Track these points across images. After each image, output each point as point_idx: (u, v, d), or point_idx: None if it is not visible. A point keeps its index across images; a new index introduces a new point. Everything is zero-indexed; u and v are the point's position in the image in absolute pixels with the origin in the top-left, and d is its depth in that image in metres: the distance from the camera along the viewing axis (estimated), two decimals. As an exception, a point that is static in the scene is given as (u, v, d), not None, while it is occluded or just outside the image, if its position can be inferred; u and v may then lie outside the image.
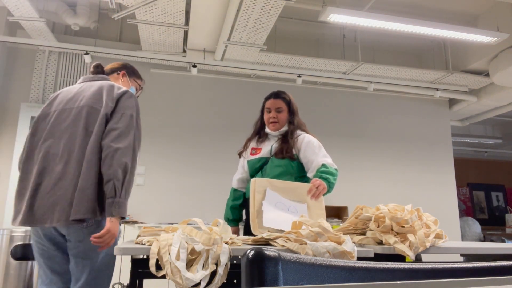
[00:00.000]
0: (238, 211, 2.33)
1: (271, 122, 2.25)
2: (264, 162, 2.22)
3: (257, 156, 2.25)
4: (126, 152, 1.63)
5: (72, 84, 4.49)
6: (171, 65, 4.75)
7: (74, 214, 1.55)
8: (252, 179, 1.83)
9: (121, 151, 1.62)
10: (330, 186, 1.99)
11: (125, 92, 1.78)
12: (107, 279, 1.70)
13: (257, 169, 2.23)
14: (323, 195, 1.97)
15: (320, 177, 1.98)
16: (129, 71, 2.07)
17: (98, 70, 1.95)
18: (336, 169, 2.10)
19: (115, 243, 1.63)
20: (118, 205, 1.57)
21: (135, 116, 1.73)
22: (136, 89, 2.10)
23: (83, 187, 1.58)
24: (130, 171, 1.63)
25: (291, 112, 2.29)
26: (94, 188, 1.60)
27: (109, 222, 1.55)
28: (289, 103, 2.29)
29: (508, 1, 3.94)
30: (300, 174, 2.19)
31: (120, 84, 1.97)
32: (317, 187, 1.87)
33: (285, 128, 2.27)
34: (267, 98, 2.33)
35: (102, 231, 1.53)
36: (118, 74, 2.04)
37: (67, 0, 4.27)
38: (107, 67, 2.06)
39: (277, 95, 2.30)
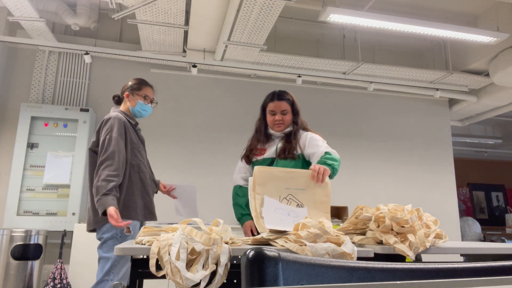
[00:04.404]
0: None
1: (276, 124, 2.24)
2: (269, 162, 2.21)
3: (262, 157, 2.24)
4: (104, 172, 2.11)
5: (72, 84, 4.51)
6: (171, 65, 4.75)
7: None
8: (255, 167, 1.76)
9: (100, 173, 2.12)
10: (333, 172, 1.94)
11: (102, 122, 2.26)
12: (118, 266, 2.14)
13: None
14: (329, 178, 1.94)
15: (324, 163, 1.94)
16: (132, 88, 2.40)
17: (114, 101, 2.46)
18: (339, 158, 2.09)
19: (125, 237, 2.14)
20: (97, 203, 2.06)
21: (107, 137, 2.18)
22: (145, 100, 2.41)
23: None
24: (106, 175, 2.09)
25: (295, 112, 2.28)
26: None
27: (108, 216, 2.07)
28: (292, 104, 2.28)
29: (508, 1, 3.94)
30: None
31: (128, 105, 2.40)
32: (317, 172, 1.80)
33: (289, 128, 2.27)
34: (270, 100, 2.27)
35: None
36: (125, 97, 2.41)
37: (67, 0, 4.27)
38: (122, 89, 2.46)
39: (280, 96, 2.26)
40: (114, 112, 2.33)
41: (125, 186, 2.20)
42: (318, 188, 1.80)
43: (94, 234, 2.25)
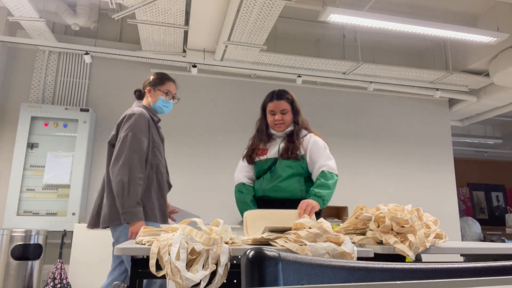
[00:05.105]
0: (255, 202, 2.21)
1: (276, 124, 2.23)
2: (272, 163, 2.20)
3: (265, 157, 2.22)
4: (120, 171, 2.00)
5: (72, 84, 4.51)
6: (171, 65, 4.75)
7: None
8: (245, 213, 1.82)
9: (117, 171, 2.01)
10: (324, 203, 2.00)
11: (124, 118, 2.14)
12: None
13: (265, 170, 2.20)
14: (319, 210, 1.99)
15: (314, 195, 1.99)
16: (153, 83, 2.31)
17: (135, 96, 2.37)
18: (336, 175, 2.10)
19: None
20: (124, 214, 1.97)
21: (130, 134, 2.07)
22: (166, 96, 2.31)
23: None
24: (129, 182, 1.98)
25: (295, 111, 2.26)
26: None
27: (130, 227, 1.99)
28: (292, 103, 2.25)
29: (508, 1, 3.94)
30: (308, 174, 2.19)
31: (149, 101, 2.31)
32: (304, 210, 1.88)
33: (290, 128, 2.25)
34: (269, 100, 2.26)
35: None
36: (146, 92, 2.33)
37: (67, 0, 4.28)
38: (144, 84, 2.37)
39: (279, 96, 2.24)
40: (138, 107, 2.21)
41: (145, 187, 2.10)
42: None
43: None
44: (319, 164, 2.11)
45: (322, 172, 2.08)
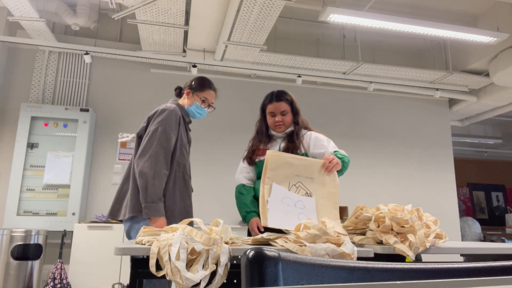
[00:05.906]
0: (255, 203, 2.18)
1: (277, 126, 2.23)
2: None
3: (265, 157, 2.24)
4: (146, 164, 1.97)
5: (72, 84, 4.51)
6: (171, 65, 4.75)
7: None
8: (268, 152, 1.81)
9: (142, 164, 1.98)
10: (344, 166, 2.00)
11: (156, 111, 2.12)
12: None
13: None
14: (338, 173, 1.96)
15: (335, 155, 1.99)
16: (194, 87, 2.32)
17: (175, 93, 2.37)
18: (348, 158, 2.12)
19: None
20: (146, 209, 1.93)
21: (160, 129, 2.05)
22: (203, 103, 2.33)
23: None
24: (154, 177, 1.95)
25: (295, 112, 2.27)
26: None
27: (151, 222, 1.94)
28: (291, 103, 2.26)
29: (508, 1, 3.94)
30: None
31: (185, 102, 2.31)
32: (330, 161, 1.87)
33: (290, 128, 2.26)
34: (268, 101, 2.26)
35: None
36: (185, 93, 2.33)
37: (67, 0, 4.28)
38: (185, 84, 2.37)
39: (278, 97, 2.25)
40: (172, 104, 2.22)
41: (170, 185, 2.08)
42: (327, 179, 1.84)
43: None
44: (330, 150, 2.11)
45: (335, 151, 2.10)
